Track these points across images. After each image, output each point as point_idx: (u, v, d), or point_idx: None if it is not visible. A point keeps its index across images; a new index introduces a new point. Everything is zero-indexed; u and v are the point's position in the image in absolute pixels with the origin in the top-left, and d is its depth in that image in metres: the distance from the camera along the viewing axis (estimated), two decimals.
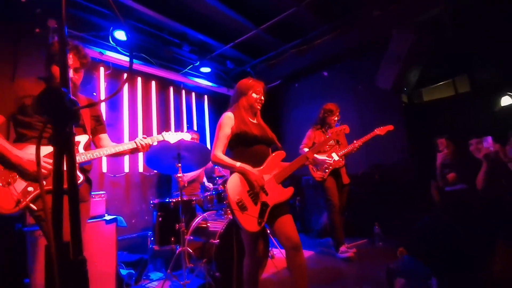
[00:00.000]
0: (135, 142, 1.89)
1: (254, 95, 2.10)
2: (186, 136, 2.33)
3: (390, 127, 3.51)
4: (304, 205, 5.35)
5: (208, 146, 5.35)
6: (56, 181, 0.54)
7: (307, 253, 3.74)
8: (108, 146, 1.89)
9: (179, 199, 2.77)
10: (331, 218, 3.50)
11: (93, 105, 1.55)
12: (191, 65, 5.04)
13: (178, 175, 2.76)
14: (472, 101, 4.73)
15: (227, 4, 3.84)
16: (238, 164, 1.90)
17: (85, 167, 1.77)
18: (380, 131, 3.51)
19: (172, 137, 2.20)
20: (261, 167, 1.95)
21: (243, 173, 1.89)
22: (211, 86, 5.53)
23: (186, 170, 3.06)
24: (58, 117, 0.57)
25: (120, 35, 3.92)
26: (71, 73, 1.66)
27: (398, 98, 4.76)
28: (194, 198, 3.28)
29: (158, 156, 2.73)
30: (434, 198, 4.01)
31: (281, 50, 5.07)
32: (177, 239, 2.82)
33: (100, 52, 3.86)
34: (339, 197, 3.57)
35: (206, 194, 3.28)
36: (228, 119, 2.00)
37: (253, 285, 1.96)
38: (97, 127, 1.95)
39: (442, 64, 4.88)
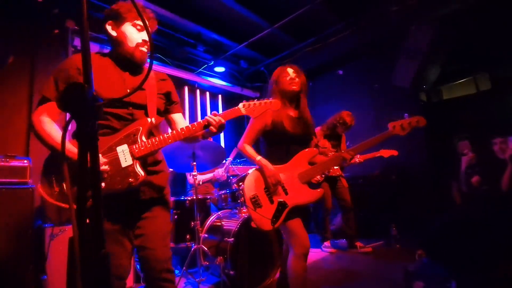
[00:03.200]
0: (206, 118, 1.43)
1: (284, 78, 1.97)
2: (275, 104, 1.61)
3: (395, 152, 3.53)
4: (318, 205, 5.29)
5: (222, 145, 5.38)
6: (81, 176, 0.55)
7: (322, 254, 3.71)
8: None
9: (194, 197, 2.79)
10: (323, 216, 3.85)
11: (117, 100, 1.33)
12: (206, 65, 5.08)
13: (193, 173, 2.78)
14: (493, 99, 4.56)
15: (242, 3, 3.84)
16: (258, 157, 1.86)
17: (151, 159, 1.43)
18: (384, 153, 3.55)
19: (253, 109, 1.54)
20: (284, 165, 1.85)
21: (260, 168, 1.84)
22: (225, 85, 5.55)
23: (201, 168, 3.08)
24: (81, 113, 0.58)
25: None
26: (146, 36, 1.42)
27: (416, 96, 4.64)
28: (208, 197, 3.30)
29: (173, 155, 2.76)
30: (455, 200, 3.89)
31: (295, 48, 5.03)
32: (192, 237, 2.84)
33: None
34: (344, 196, 3.74)
35: (220, 193, 3.30)
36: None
37: (300, 281, 1.77)
38: (168, 106, 1.58)
39: (462, 61, 4.72)
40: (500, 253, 2.11)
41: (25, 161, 2.51)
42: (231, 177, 3.68)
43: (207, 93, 5.46)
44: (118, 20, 1.40)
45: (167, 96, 1.56)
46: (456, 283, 2.09)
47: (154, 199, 1.41)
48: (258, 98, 1.57)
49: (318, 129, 3.79)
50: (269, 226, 1.75)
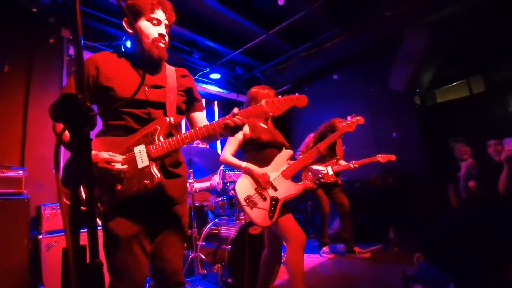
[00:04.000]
0: (226, 118, 1.34)
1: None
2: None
3: (392, 157, 3.52)
4: (315, 210, 5.29)
5: (219, 151, 5.38)
6: (74, 185, 0.55)
7: (320, 259, 3.69)
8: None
9: (191, 204, 2.78)
10: (321, 223, 3.81)
11: (107, 110, 1.29)
12: (201, 72, 5.10)
13: (189, 180, 2.77)
14: (487, 102, 4.62)
15: (236, 10, 3.88)
16: (243, 164, 2.05)
17: (171, 161, 1.38)
18: (381, 158, 3.53)
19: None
20: (268, 166, 2.07)
21: (248, 172, 2.02)
22: (221, 92, 5.57)
23: (198, 175, 3.07)
24: (75, 122, 0.58)
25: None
26: (164, 30, 1.38)
27: (411, 100, 4.68)
28: (205, 204, 3.29)
29: None
30: (452, 203, 3.90)
31: (290, 54, 5.08)
32: (190, 245, 2.82)
33: None
34: (341, 201, 3.71)
35: (217, 200, 3.29)
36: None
37: (299, 273, 1.90)
38: (189, 104, 1.53)
39: (455, 65, 4.78)
40: (499, 255, 2.11)
41: (20, 172, 2.49)
42: (228, 184, 3.67)
43: (203, 100, 5.46)
44: (133, 15, 1.34)
45: (188, 92, 1.51)
46: (454, 285, 2.08)
47: (171, 205, 1.36)
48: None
49: (310, 136, 3.77)
50: (267, 221, 1.89)
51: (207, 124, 1.31)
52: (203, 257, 2.67)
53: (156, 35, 1.34)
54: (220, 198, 3.25)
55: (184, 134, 1.29)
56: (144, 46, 1.35)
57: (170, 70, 1.48)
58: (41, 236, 2.47)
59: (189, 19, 4.06)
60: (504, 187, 2.97)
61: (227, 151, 2.10)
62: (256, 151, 2.12)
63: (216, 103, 5.73)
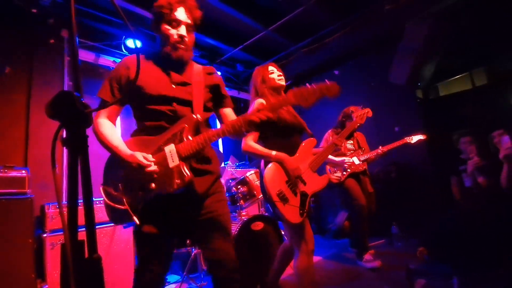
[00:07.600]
0: (252, 116, 1.30)
1: (271, 76, 2.04)
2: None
3: (422, 136, 3.36)
4: (319, 205, 5.29)
5: (221, 149, 5.39)
6: (71, 182, 0.55)
7: (323, 254, 3.69)
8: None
9: None
10: (358, 221, 3.18)
11: (104, 107, 1.31)
12: None
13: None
14: (490, 94, 4.57)
15: (235, 7, 3.86)
16: (274, 152, 1.82)
17: (199, 158, 1.39)
18: (411, 139, 3.36)
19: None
20: (295, 156, 1.87)
21: (280, 162, 1.81)
22: None
23: None
24: (71, 120, 0.58)
25: (132, 43, 4.01)
26: (184, 31, 1.38)
27: (413, 93, 4.65)
28: None
29: None
30: (455, 196, 3.87)
31: (291, 50, 5.05)
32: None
33: (114, 61, 3.97)
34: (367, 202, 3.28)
35: None
36: (261, 105, 1.89)
37: (311, 279, 1.79)
38: (217, 100, 1.55)
39: (457, 57, 4.74)
40: (503, 249, 2.11)
41: (23, 172, 2.51)
42: (230, 181, 3.68)
43: None
44: (156, 19, 1.40)
45: (216, 89, 1.53)
46: (458, 279, 2.08)
47: (201, 202, 1.38)
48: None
49: (327, 134, 3.54)
50: (298, 218, 1.75)
51: (233, 121, 1.31)
52: None
53: (176, 37, 1.36)
54: None
55: (211, 131, 1.29)
56: (165, 50, 1.38)
57: (197, 68, 1.51)
58: (45, 235, 2.50)
59: None
60: (506, 183, 2.94)
61: (249, 138, 1.87)
62: (281, 138, 1.91)
63: None
